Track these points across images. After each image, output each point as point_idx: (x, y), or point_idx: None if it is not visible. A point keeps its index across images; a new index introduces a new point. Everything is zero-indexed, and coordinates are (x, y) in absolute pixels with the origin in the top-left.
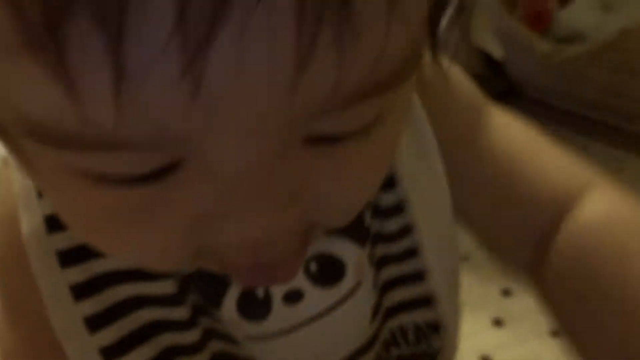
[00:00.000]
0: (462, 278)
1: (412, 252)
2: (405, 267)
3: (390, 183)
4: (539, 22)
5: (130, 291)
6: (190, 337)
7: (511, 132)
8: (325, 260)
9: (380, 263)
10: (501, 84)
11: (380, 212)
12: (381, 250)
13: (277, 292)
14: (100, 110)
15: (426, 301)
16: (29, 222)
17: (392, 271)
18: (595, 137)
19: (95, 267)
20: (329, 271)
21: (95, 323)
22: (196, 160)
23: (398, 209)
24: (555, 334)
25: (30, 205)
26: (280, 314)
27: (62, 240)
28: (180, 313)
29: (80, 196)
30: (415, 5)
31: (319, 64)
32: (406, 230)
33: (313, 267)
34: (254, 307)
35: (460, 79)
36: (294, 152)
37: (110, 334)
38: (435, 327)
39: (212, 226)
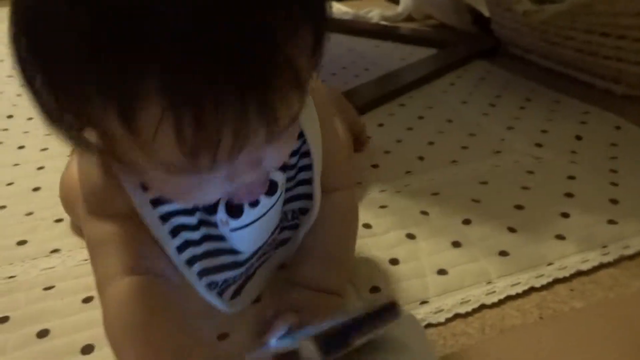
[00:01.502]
0: (433, 209)
1: (307, 167)
2: (300, 176)
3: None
4: None
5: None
6: (196, 235)
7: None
8: (270, 182)
9: (289, 169)
10: (489, 41)
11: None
12: (289, 172)
13: (246, 203)
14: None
15: (309, 196)
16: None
17: (294, 182)
18: (570, 93)
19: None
20: (270, 187)
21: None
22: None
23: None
24: (502, 253)
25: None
26: (247, 213)
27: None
28: (192, 220)
29: (162, 182)
30: (307, 82)
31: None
32: (304, 155)
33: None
34: (234, 210)
35: (319, 86)
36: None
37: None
38: (304, 211)
39: (229, 184)
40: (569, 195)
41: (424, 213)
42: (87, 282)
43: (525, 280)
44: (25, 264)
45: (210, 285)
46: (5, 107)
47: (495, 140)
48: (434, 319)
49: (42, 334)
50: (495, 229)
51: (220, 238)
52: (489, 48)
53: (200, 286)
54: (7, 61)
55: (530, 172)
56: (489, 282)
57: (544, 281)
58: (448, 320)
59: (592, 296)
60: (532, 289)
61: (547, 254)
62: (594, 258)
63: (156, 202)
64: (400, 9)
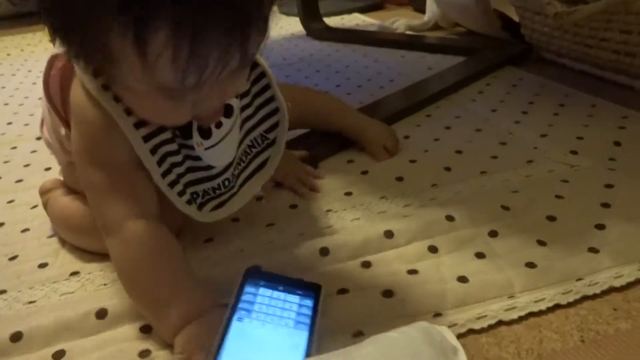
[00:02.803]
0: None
1: (267, 87)
2: (261, 97)
3: (254, 65)
4: None
5: (159, 138)
6: (178, 158)
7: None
8: (227, 106)
9: (244, 97)
10: (520, 47)
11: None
12: (246, 97)
13: (212, 124)
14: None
15: (270, 115)
16: (115, 112)
17: (252, 104)
18: (607, 97)
19: (147, 130)
20: (228, 110)
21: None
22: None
23: (260, 75)
24: (529, 265)
25: (115, 107)
26: (215, 134)
27: (142, 130)
28: (174, 147)
29: (150, 102)
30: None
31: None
32: (262, 75)
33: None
34: (205, 132)
35: None
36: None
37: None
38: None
39: (195, 109)
40: (606, 205)
41: (450, 219)
42: (106, 303)
43: (550, 297)
44: (46, 287)
45: (191, 199)
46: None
47: (527, 148)
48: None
49: (58, 354)
50: (524, 241)
51: (197, 158)
52: (520, 53)
53: (180, 202)
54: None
55: (565, 181)
56: (511, 296)
57: (571, 298)
58: (461, 335)
59: (639, 316)
60: (571, 309)
61: (577, 268)
62: (629, 273)
63: (147, 138)
64: (426, 17)
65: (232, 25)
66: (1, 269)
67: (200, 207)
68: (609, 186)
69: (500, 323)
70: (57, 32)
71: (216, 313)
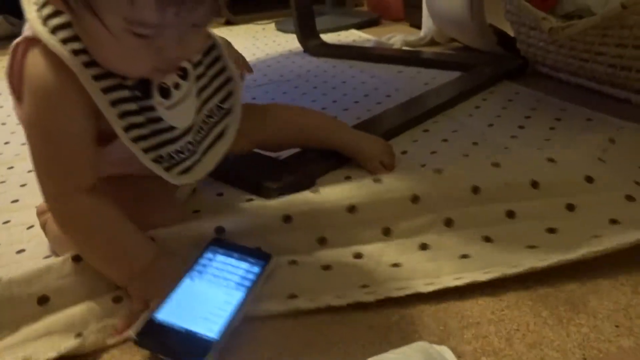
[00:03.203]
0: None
1: (218, 59)
2: (214, 67)
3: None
4: (547, 0)
5: (119, 94)
6: (139, 119)
7: None
8: (182, 69)
9: (197, 66)
10: (516, 61)
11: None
12: (200, 66)
13: (171, 84)
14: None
15: (224, 86)
16: (75, 65)
17: (207, 74)
18: (604, 110)
19: (107, 82)
20: (183, 72)
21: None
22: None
23: (211, 48)
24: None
25: (71, 56)
26: (174, 95)
27: (102, 82)
28: (133, 106)
29: (116, 44)
30: None
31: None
32: (213, 47)
33: (180, 71)
34: (164, 91)
35: None
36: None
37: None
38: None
39: (156, 60)
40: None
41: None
42: None
43: (470, 277)
44: None
45: (157, 161)
46: None
47: None
48: None
49: None
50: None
51: (159, 120)
52: (516, 68)
53: (146, 159)
54: None
55: None
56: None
57: (489, 276)
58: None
59: None
60: (572, 327)
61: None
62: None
63: (106, 90)
64: (422, 33)
65: None
66: None
67: (167, 170)
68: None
69: (501, 341)
70: None
71: (163, 261)
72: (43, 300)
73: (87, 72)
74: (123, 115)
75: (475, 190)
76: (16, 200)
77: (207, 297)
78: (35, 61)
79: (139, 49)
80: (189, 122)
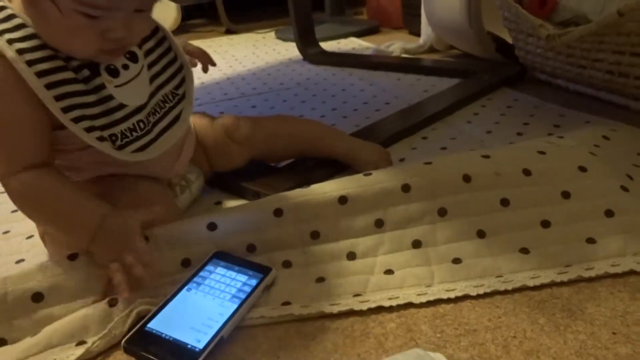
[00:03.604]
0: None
1: (170, 49)
2: (167, 57)
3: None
4: (543, 7)
5: (59, 76)
6: (88, 99)
7: None
8: (131, 53)
9: (149, 54)
10: (514, 68)
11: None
12: (152, 54)
13: (119, 66)
14: None
15: (176, 75)
16: (17, 61)
17: (159, 62)
18: (603, 116)
19: (53, 75)
20: (132, 55)
21: (56, 94)
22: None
23: (163, 39)
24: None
25: (15, 55)
26: (122, 74)
27: (37, 64)
28: (79, 87)
29: (65, 23)
30: None
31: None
32: (164, 39)
33: (128, 54)
34: (112, 71)
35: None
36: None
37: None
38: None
39: (108, 36)
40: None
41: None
42: None
43: (461, 289)
44: None
45: (108, 138)
46: None
47: None
48: None
49: None
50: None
51: (109, 98)
52: (515, 75)
53: (88, 138)
54: None
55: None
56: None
57: (481, 291)
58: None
59: (639, 340)
60: (569, 334)
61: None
62: (546, 275)
63: (40, 74)
64: (421, 40)
65: None
66: None
67: (120, 148)
68: None
69: (498, 348)
70: None
71: (115, 218)
72: (37, 297)
73: (21, 57)
74: (62, 97)
75: (466, 178)
76: (15, 211)
77: (200, 308)
78: None
79: (86, 29)
80: (141, 101)
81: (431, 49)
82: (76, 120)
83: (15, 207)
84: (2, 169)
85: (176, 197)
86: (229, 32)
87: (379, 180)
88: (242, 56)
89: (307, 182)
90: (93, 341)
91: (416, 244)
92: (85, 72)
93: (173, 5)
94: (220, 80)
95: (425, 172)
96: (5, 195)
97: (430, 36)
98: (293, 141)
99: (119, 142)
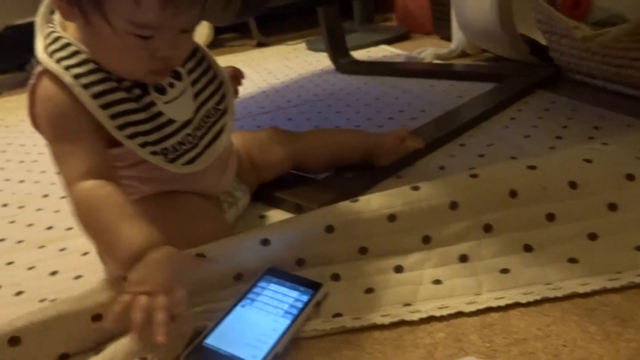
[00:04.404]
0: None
1: (210, 67)
2: (207, 75)
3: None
4: (577, 7)
5: (114, 96)
6: (140, 116)
7: None
8: (175, 72)
9: (191, 72)
10: (549, 70)
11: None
12: (194, 73)
13: (166, 84)
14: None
15: (217, 91)
16: (74, 85)
17: (201, 80)
18: None
19: (107, 96)
20: (176, 74)
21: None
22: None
23: (202, 58)
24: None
25: (72, 80)
26: (169, 92)
27: (92, 87)
28: (131, 105)
29: (119, 44)
30: None
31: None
32: (203, 58)
33: (172, 73)
34: (159, 89)
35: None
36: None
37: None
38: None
39: (156, 55)
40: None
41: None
42: None
43: (511, 296)
44: None
45: (160, 152)
46: None
47: None
48: None
49: None
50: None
51: (159, 115)
52: (550, 77)
53: (143, 152)
54: None
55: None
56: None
57: (531, 298)
58: None
59: None
60: (622, 342)
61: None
62: (596, 282)
63: (96, 96)
64: (453, 45)
65: None
66: None
67: (172, 161)
68: None
69: (549, 358)
70: None
71: (165, 250)
72: (96, 318)
73: (86, 92)
74: (117, 115)
75: (513, 193)
76: (70, 228)
77: (255, 324)
78: (45, 85)
79: (138, 49)
80: (188, 116)
81: (463, 54)
82: (131, 136)
83: (70, 225)
84: (67, 177)
85: (224, 213)
86: (260, 45)
87: (426, 196)
88: (275, 68)
89: (347, 194)
90: (152, 357)
91: (463, 258)
92: (137, 91)
93: (205, 22)
94: (255, 94)
95: (471, 187)
96: (60, 214)
97: (462, 40)
98: (331, 150)
99: (170, 155)
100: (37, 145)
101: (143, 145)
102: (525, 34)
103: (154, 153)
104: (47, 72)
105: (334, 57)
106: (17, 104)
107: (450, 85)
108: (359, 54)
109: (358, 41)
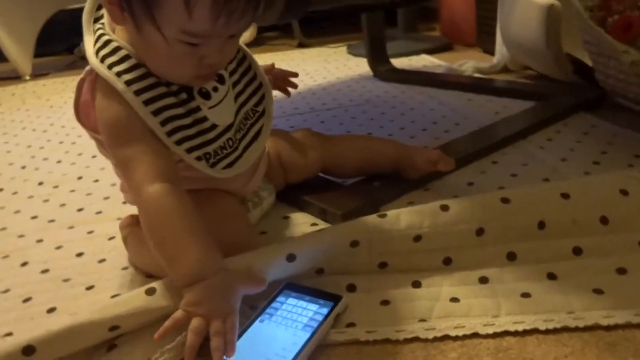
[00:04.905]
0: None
1: (250, 67)
2: (247, 76)
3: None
4: (629, 31)
5: (164, 101)
6: (186, 121)
7: None
8: (219, 75)
9: (233, 74)
10: (593, 92)
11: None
12: (235, 74)
13: (210, 88)
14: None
15: (255, 92)
16: (126, 92)
17: (241, 81)
18: None
19: (158, 102)
20: (220, 77)
21: (161, 119)
22: (209, 47)
23: (243, 59)
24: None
25: (124, 87)
26: (213, 97)
27: (143, 93)
28: (179, 110)
29: (167, 51)
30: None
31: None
32: (244, 58)
33: (216, 77)
34: (204, 94)
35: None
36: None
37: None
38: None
39: (204, 62)
40: None
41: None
42: None
43: (530, 322)
44: None
45: (204, 158)
46: None
47: None
48: None
49: None
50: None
51: (203, 120)
52: (593, 99)
53: (189, 158)
54: None
55: None
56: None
57: (550, 326)
58: None
59: None
60: None
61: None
62: (620, 316)
63: (147, 102)
64: (495, 60)
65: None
66: (78, 297)
67: (213, 165)
68: None
69: None
70: None
71: (224, 277)
72: (114, 328)
73: (137, 99)
74: (166, 121)
75: (541, 225)
76: (100, 212)
77: (274, 339)
78: (100, 95)
79: (187, 56)
80: (230, 120)
81: (505, 69)
82: (179, 142)
83: (100, 209)
84: (135, 180)
85: (248, 212)
86: (301, 45)
87: (455, 220)
88: (313, 70)
89: (373, 204)
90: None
91: (483, 280)
92: (183, 96)
93: None
94: (291, 94)
95: (501, 214)
96: (91, 197)
97: (505, 56)
98: (361, 157)
99: (212, 160)
100: (76, 128)
101: (189, 150)
102: (571, 53)
103: (198, 158)
104: (99, 77)
105: (372, 64)
106: (63, 86)
107: (488, 101)
108: (400, 62)
109: (400, 49)
